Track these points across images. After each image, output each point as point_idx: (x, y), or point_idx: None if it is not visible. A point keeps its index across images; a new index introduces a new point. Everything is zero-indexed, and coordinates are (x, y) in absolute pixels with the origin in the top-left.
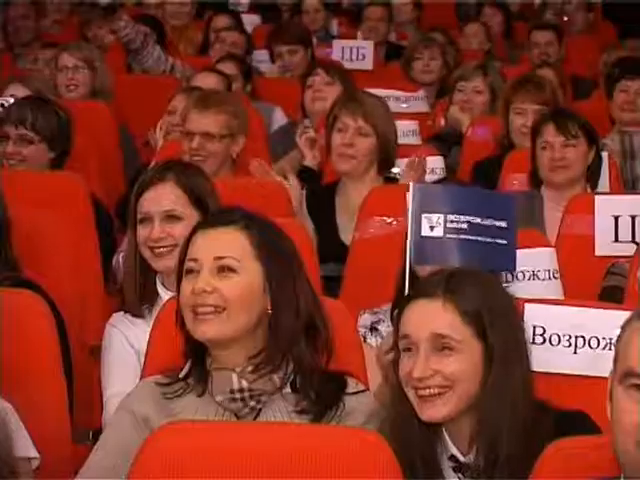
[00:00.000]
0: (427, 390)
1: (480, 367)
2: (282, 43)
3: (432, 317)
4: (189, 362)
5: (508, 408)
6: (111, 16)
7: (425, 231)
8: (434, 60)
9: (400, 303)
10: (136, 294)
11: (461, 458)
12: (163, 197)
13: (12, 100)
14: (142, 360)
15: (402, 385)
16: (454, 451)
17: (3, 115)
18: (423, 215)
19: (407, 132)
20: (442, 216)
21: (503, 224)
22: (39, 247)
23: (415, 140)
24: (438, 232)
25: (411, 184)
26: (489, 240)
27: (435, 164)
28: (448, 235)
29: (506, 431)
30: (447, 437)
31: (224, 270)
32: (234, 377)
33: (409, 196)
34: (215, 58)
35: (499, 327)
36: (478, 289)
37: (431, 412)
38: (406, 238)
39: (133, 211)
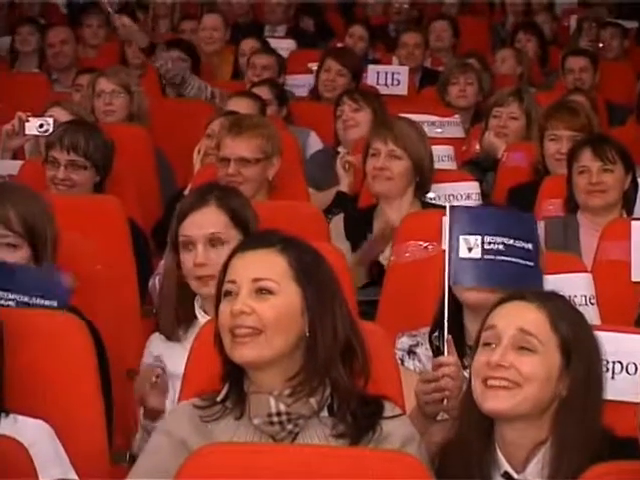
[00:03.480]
0: (497, 381)
1: (554, 380)
2: (335, 60)
3: (522, 314)
4: (227, 385)
5: (582, 436)
6: (152, 55)
7: (463, 252)
8: (470, 85)
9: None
10: (172, 317)
11: (515, 475)
12: (206, 220)
13: (51, 120)
14: (177, 382)
15: (471, 381)
16: (508, 468)
17: (53, 139)
18: (461, 237)
19: (442, 157)
20: (479, 237)
21: (530, 246)
22: (77, 269)
23: (450, 165)
24: (476, 253)
25: (448, 206)
26: (521, 262)
27: (470, 189)
28: (486, 256)
29: (575, 454)
30: (500, 454)
31: (262, 292)
32: (272, 401)
33: (447, 218)
34: (249, 84)
35: (584, 353)
36: (567, 308)
37: (493, 403)
38: (444, 260)
39: (174, 235)
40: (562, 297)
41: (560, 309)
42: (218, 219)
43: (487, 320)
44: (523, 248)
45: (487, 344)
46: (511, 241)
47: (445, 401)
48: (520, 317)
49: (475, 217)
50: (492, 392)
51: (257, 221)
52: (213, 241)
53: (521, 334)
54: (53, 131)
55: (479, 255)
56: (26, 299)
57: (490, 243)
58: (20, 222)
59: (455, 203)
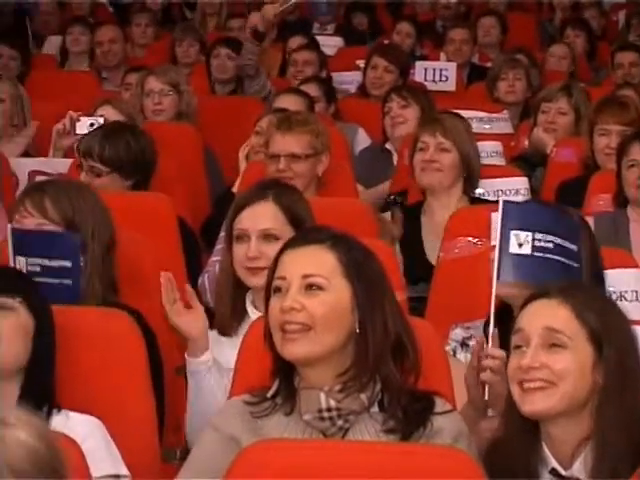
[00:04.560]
0: (532, 383)
1: (589, 372)
2: (382, 57)
3: (547, 312)
4: (277, 381)
5: (622, 426)
6: (260, 40)
7: (513, 248)
8: (519, 81)
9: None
10: (228, 312)
11: (562, 472)
12: (261, 215)
13: (102, 119)
14: (229, 377)
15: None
16: (555, 465)
17: (79, 143)
18: (512, 232)
19: (491, 153)
20: (530, 234)
21: (574, 247)
22: (127, 268)
23: (499, 161)
24: (526, 250)
25: (501, 201)
26: (566, 262)
27: (519, 185)
28: (535, 253)
29: (618, 448)
30: (547, 451)
31: (312, 288)
32: (322, 396)
33: (498, 213)
34: (294, 80)
35: (616, 341)
36: (594, 298)
37: (532, 406)
38: (493, 255)
39: (229, 228)
40: (587, 287)
41: (585, 300)
42: (275, 215)
43: (516, 322)
44: (569, 249)
45: (518, 347)
46: (559, 240)
47: (486, 395)
48: (545, 315)
49: (527, 213)
50: (529, 395)
51: (313, 220)
52: (267, 236)
53: (548, 332)
54: None
55: (529, 252)
56: (47, 262)
57: (540, 240)
58: (57, 211)
59: (504, 199)
